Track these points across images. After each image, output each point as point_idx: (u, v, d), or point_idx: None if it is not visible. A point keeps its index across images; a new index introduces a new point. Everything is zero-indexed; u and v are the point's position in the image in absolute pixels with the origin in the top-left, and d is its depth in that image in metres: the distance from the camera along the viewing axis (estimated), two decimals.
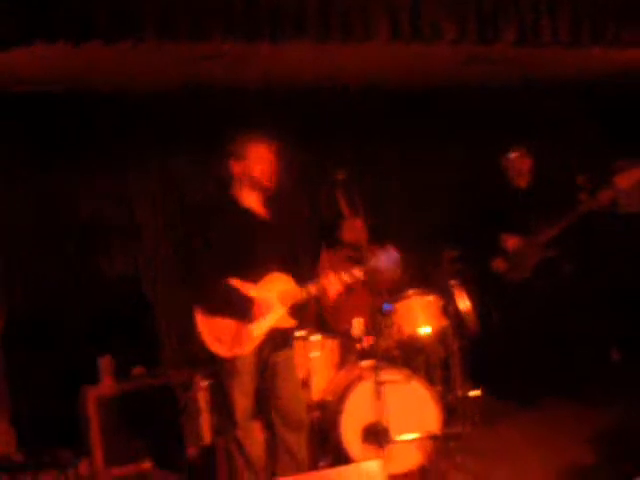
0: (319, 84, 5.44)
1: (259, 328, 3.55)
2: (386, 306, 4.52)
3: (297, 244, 3.67)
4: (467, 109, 5.98)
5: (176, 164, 5.47)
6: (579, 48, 4.03)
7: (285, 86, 5.37)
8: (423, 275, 4.07)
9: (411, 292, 4.57)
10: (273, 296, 3.58)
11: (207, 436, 4.73)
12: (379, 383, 3.53)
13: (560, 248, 5.27)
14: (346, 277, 3.63)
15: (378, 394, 3.35)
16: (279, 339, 3.67)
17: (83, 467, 4.55)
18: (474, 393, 4.88)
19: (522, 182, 5.46)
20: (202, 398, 4.68)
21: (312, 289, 3.57)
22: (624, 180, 5.09)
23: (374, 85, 5.63)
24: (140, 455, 4.60)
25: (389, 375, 4.06)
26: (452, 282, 4.70)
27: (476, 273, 5.28)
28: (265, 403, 3.71)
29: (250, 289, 3.52)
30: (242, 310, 3.48)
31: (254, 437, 3.71)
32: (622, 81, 5.84)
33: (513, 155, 5.42)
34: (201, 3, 3.33)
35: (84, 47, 3.21)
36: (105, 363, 4.68)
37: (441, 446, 4.29)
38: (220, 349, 3.54)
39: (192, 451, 4.67)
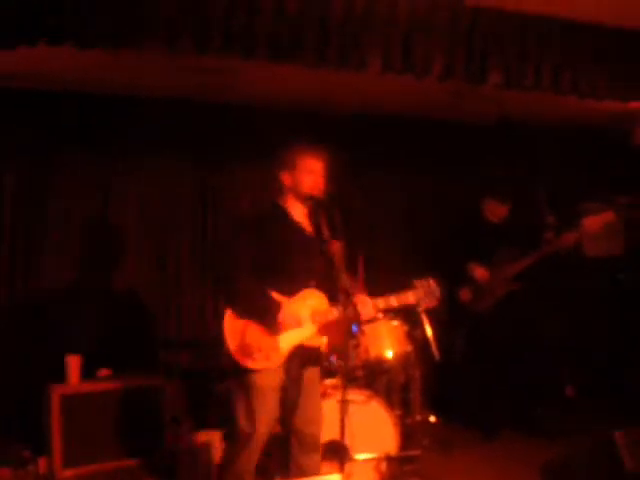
0: (310, 107, 5.57)
1: (287, 342, 3.47)
2: (354, 327, 4.59)
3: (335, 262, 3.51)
4: (444, 142, 6.15)
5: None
6: (559, 95, 4.19)
7: (276, 106, 5.50)
8: None
9: (379, 315, 4.65)
10: (306, 312, 3.51)
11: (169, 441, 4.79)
12: (343, 402, 3.57)
13: (524, 283, 5.43)
14: (381, 304, 3.60)
15: (342, 412, 3.40)
16: (307, 357, 3.59)
17: (42, 465, 4.55)
18: (432, 419, 5.00)
19: (495, 218, 5.62)
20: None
21: (344, 310, 3.47)
22: (591, 224, 5.23)
23: (363, 111, 5.77)
24: (102, 456, 4.62)
25: (352, 395, 4.14)
26: (419, 308, 4.80)
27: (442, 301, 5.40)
28: (283, 421, 3.62)
29: (284, 302, 3.46)
30: (273, 320, 3.41)
31: (253, 448, 3.53)
32: (597, 128, 6.04)
33: (491, 201, 5.58)
34: (202, 15, 3.40)
35: (88, 51, 3.26)
36: (73, 362, 4.69)
37: (397, 468, 4.39)
38: (246, 360, 3.44)
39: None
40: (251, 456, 3.51)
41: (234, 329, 3.47)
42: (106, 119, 5.26)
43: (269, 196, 3.69)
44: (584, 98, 4.24)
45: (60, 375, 4.67)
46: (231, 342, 3.46)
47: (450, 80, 3.88)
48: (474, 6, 3.88)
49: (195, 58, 3.54)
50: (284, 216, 3.61)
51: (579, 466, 3.67)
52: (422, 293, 3.65)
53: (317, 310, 3.53)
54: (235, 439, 3.55)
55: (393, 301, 3.62)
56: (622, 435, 3.36)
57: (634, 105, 4.56)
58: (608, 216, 5.16)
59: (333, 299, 3.53)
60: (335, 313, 3.51)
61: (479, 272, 5.43)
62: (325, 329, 3.57)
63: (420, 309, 3.81)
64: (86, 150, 5.25)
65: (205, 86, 5.00)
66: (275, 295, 3.47)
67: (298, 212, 3.63)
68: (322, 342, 3.64)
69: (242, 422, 3.49)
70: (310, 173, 3.54)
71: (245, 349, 3.43)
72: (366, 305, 3.54)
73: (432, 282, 3.68)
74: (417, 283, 3.66)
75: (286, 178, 3.59)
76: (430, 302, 3.68)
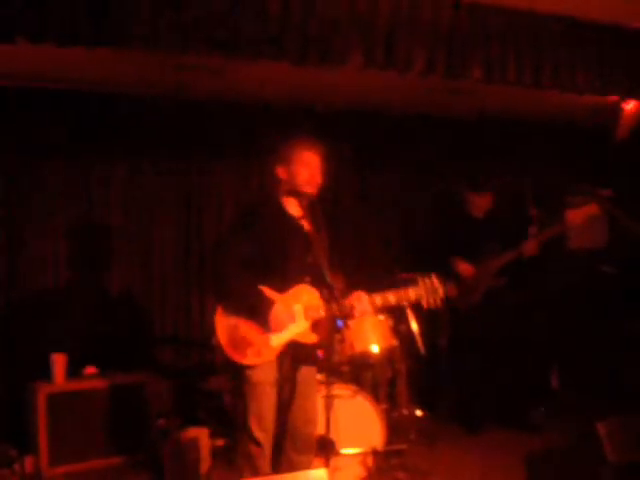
0: (293, 103, 5.57)
1: (279, 338, 3.44)
2: (339, 322, 4.61)
3: (331, 258, 3.46)
4: (432, 137, 6.18)
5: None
6: (540, 89, 4.23)
7: (261, 103, 5.49)
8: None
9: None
10: (298, 308, 3.47)
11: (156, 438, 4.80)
12: (328, 397, 3.54)
13: (510, 277, 5.47)
14: (379, 300, 3.52)
15: (327, 408, 3.41)
16: (301, 355, 3.55)
17: (28, 464, 4.55)
18: (418, 413, 5.04)
19: (479, 213, 5.65)
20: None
21: (338, 307, 3.43)
22: (575, 216, 5.27)
23: (345, 107, 5.78)
24: (89, 453, 4.63)
25: (337, 390, 4.17)
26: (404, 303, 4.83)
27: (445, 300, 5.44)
28: (277, 420, 3.55)
29: (276, 297, 3.42)
30: (265, 317, 3.37)
31: (265, 452, 3.51)
32: (579, 122, 6.09)
33: (475, 194, 5.61)
34: (182, 15, 3.40)
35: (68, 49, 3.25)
36: (58, 361, 4.69)
37: (383, 462, 4.42)
38: (238, 356, 3.42)
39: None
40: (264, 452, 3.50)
41: (225, 326, 3.46)
42: (89, 118, 5.23)
43: (252, 195, 3.67)
44: (565, 92, 4.28)
45: (46, 374, 4.68)
46: (223, 338, 3.45)
47: (432, 75, 3.91)
48: (455, 1, 3.90)
49: (177, 56, 3.53)
50: (280, 211, 3.57)
51: (562, 457, 3.72)
52: (423, 290, 3.53)
53: (310, 306, 3.49)
54: (244, 444, 3.51)
55: (391, 298, 3.53)
56: (604, 426, 3.39)
57: (614, 99, 4.60)
58: (591, 209, 5.20)
59: (326, 295, 3.48)
60: (328, 309, 3.47)
61: (463, 267, 5.46)
62: (317, 325, 3.53)
63: (425, 306, 3.61)
64: (70, 149, 5.22)
65: (189, 84, 4.99)
66: (268, 291, 3.44)
67: (294, 207, 3.59)
68: (315, 339, 3.55)
69: (244, 421, 3.47)
70: (306, 166, 3.51)
71: (237, 345, 3.42)
72: (362, 301, 3.48)
73: (435, 279, 3.56)
74: (419, 280, 3.56)
75: (282, 172, 3.56)
76: (432, 300, 3.54)
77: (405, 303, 3.61)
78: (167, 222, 5.62)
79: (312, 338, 3.54)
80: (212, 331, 3.48)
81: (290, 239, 3.50)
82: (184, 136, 5.50)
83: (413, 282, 3.55)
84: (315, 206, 3.51)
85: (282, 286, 3.48)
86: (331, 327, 3.58)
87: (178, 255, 5.62)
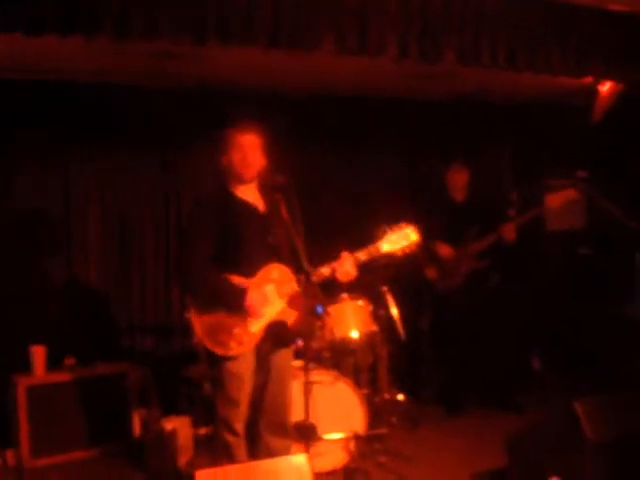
0: (266, 89, 5.54)
1: (257, 323, 3.44)
2: (319, 309, 4.61)
3: (293, 235, 3.39)
4: (408, 121, 6.17)
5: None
6: (515, 71, 4.23)
7: (231, 89, 5.46)
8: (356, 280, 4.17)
9: (344, 296, 4.68)
10: (270, 289, 3.47)
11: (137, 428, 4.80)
12: (308, 383, 3.57)
13: (490, 259, 5.49)
14: (362, 256, 3.52)
15: (306, 393, 3.42)
16: (280, 336, 3.56)
17: (10, 457, 4.54)
18: (400, 397, 5.06)
19: (459, 196, 5.66)
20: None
21: (314, 276, 3.39)
22: (553, 200, 5.30)
23: (319, 93, 5.76)
24: (70, 445, 4.62)
25: (318, 376, 4.19)
26: (384, 288, 4.85)
27: (409, 280, 5.47)
28: (252, 405, 3.59)
29: (246, 282, 3.41)
30: (239, 305, 3.37)
31: (244, 444, 3.55)
32: (557, 105, 6.10)
33: (450, 170, 5.61)
34: (152, 2, 3.37)
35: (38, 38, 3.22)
36: (37, 353, 4.67)
37: (366, 446, 4.45)
38: (220, 349, 3.41)
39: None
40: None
41: (203, 323, 3.45)
42: (63, 107, 5.18)
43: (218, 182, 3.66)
44: (539, 74, 4.28)
45: (25, 366, 4.66)
46: (203, 336, 3.44)
47: (405, 60, 3.90)
48: None
49: (146, 43, 3.50)
50: (231, 198, 3.57)
51: (542, 436, 3.74)
52: (397, 237, 3.57)
53: (282, 283, 3.48)
54: (221, 435, 3.53)
55: (374, 250, 3.54)
56: (581, 405, 3.41)
57: (589, 81, 4.61)
58: (570, 193, 5.22)
59: (297, 270, 3.46)
60: (300, 282, 3.45)
61: (444, 250, 5.48)
62: (294, 301, 3.53)
63: (400, 254, 3.61)
64: (45, 139, 5.17)
65: (163, 71, 4.97)
66: (237, 279, 3.44)
67: (247, 192, 3.60)
68: (294, 315, 3.55)
69: (222, 411, 3.50)
70: (239, 149, 3.51)
71: (218, 339, 3.42)
72: (345, 263, 3.48)
73: (404, 226, 3.61)
74: (388, 229, 3.59)
75: (224, 159, 3.57)
76: (408, 246, 3.59)
77: (386, 251, 3.57)
78: (145, 210, 5.59)
79: (291, 314, 3.55)
80: (191, 331, 3.49)
81: (244, 224, 3.50)
82: (161, 124, 5.46)
83: (384, 232, 3.58)
84: (285, 191, 3.47)
85: (250, 271, 3.47)
86: (307, 302, 3.53)
87: (157, 243, 5.60)
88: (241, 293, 3.39)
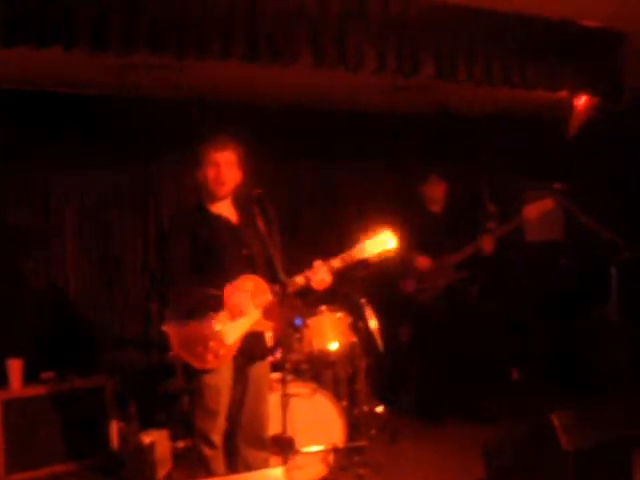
0: (244, 101, 5.56)
1: (233, 334, 3.44)
2: (298, 321, 4.61)
3: (270, 246, 3.41)
4: (385, 134, 6.21)
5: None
6: (491, 86, 4.28)
7: (209, 101, 5.48)
8: (335, 292, 4.18)
9: (323, 308, 4.68)
10: (246, 299, 3.45)
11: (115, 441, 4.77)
12: (286, 395, 3.58)
13: (468, 271, 5.52)
14: (336, 263, 3.52)
15: (283, 406, 3.41)
16: (256, 348, 3.57)
17: None
18: (379, 409, 5.06)
19: (437, 208, 5.69)
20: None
21: (289, 285, 3.38)
22: (531, 211, 5.33)
23: (297, 106, 5.78)
24: (47, 459, 4.57)
25: (296, 388, 4.19)
26: (362, 300, 4.86)
27: (386, 292, 5.48)
28: (230, 417, 3.59)
29: (221, 294, 3.41)
30: (218, 309, 3.39)
31: (221, 457, 3.56)
32: (534, 118, 6.17)
33: (428, 182, 5.64)
34: (131, 14, 3.38)
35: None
36: (14, 366, 4.63)
37: (345, 459, 4.44)
38: (195, 361, 3.41)
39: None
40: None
41: (179, 333, 3.44)
42: (43, 117, 5.17)
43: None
44: (515, 89, 4.33)
45: (1, 379, 4.61)
46: (180, 349, 3.44)
47: (383, 74, 3.93)
48: None
49: (125, 57, 3.51)
50: (205, 212, 3.59)
51: (519, 447, 3.76)
52: (372, 243, 3.56)
53: (256, 294, 3.47)
54: (199, 448, 3.53)
55: (348, 257, 3.54)
56: (558, 416, 3.44)
57: (564, 95, 4.67)
58: (547, 203, 5.25)
59: (272, 281, 3.46)
60: (275, 293, 3.44)
61: (422, 262, 5.50)
62: (269, 312, 3.53)
63: (376, 260, 3.60)
64: (20, 149, 5.14)
65: (144, 82, 4.97)
66: (214, 291, 3.43)
67: (221, 206, 3.61)
68: (269, 325, 3.57)
69: (200, 424, 3.50)
70: (214, 166, 3.51)
71: (193, 351, 3.41)
72: (318, 272, 3.48)
73: (380, 232, 3.61)
74: (364, 236, 3.58)
75: (199, 175, 3.57)
76: (384, 252, 3.59)
77: (361, 258, 3.57)
78: (125, 223, 5.58)
79: (266, 325, 3.56)
80: (168, 345, 3.47)
81: (217, 237, 3.51)
82: (142, 135, 5.46)
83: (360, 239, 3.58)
84: (262, 203, 3.47)
85: (225, 284, 3.45)
86: (283, 313, 3.52)
87: (136, 256, 5.59)
88: (219, 304, 3.39)
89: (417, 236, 5.49)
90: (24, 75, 4.77)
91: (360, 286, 4.76)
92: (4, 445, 4.46)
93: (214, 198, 3.58)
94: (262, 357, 3.67)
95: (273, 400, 3.82)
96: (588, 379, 5.70)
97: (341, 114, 6.07)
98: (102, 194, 5.50)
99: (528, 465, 3.66)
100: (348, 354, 4.73)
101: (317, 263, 3.52)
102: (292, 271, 3.47)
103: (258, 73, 4.45)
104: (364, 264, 3.69)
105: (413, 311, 5.63)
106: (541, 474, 3.55)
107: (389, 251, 3.60)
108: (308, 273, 3.50)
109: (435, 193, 5.64)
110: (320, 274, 3.50)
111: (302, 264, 3.52)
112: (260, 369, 3.66)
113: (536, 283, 6.61)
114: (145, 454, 4.42)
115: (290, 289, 3.41)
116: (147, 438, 4.46)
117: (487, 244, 5.34)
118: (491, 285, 6.05)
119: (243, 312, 3.43)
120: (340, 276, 3.68)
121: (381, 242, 3.59)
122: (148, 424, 4.74)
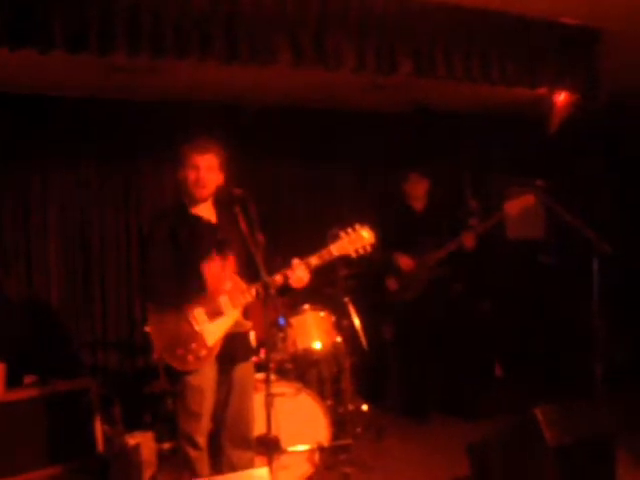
0: (221, 101, 5.56)
1: (213, 335, 3.43)
2: (281, 320, 4.62)
3: (251, 246, 3.38)
4: (366, 132, 6.22)
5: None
6: (470, 82, 4.30)
7: (189, 102, 5.47)
8: (318, 291, 4.19)
9: (306, 307, 4.70)
10: (224, 300, 3.45)
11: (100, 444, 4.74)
12: (270, 395, 3.58)
13: (450, 269, 5.54)
14: (314, 260, 3.51)
15: (267, 406, 3.42)
16: (240, 348, 3.59)
17: None
18: (364, 407, 5.07)
19: (418, 205, 5.71)
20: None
21: (267, 284, 3.36)
22: (512, 207, 5.36)
23: (275, 105, 5.79)
24: (32, 464, 4.53)
25: (280, 388, 4.18)
26: (346, 299, 4.86)
27: (370, 291, 5.50)
28: (214, 418, 3.59)
29: (201, 295, 3.42)
30: (196, 319, 3.40)
31: (206, 458, 3.55)
32: (512, 114, 6.20)
33: (410, 179, 5.66)
34: (108, 16, 3.37)
35: None
36: None
37: (330, 458, 4.45)
38: (177, 363, 3.41)
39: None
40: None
41: (161, 335, 3.44)
42: (22, 121, 5.15)
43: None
44: (495, 85, 4.35)
45: None
46: (162, 351, 3.43)
47: (362, 72, 3.93)
48: None
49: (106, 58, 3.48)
50: (185, 213, 3.58)
51: (503, 443, 3.78)
52: (348, 240, 3.55)
53: (235, 293, 3.47)
54: (183, 449, 3.52)
55: (326, 254, 3.53)
56: (542, 411, 3.46)
57: (543, 92, 4.70)
58: (528, 199, 5.27)
59: (254, 281, 3.45)
60: (254, 292, 3.45)
61: (404, 261, 5.52)
62: (248, 310, 3.55)
63: (354, 255, 3.57)
64: (4, 155, 5.13)
65: (125, 84, 4.95)
66: (193, 292, 3.44)
67: (201, 207, 3.60)
68: (249, 324, 3.60)
69: (184, 425, 3.50)
70: (194, 169, 3.51)
71: (175, 353, 3.41)
72: (296, 270, 3.48)
73: (358, 227, 3.59)
74: (342, 232, 3.57)
75: (180, 176, 3.57)
76: (362, 247, 3.56)
77: (338, 255, 3.56)
78: (107, 226, 5.55)
79: (246, 325, 3.59)
80: (151, 346, 3.47)
81: (197, 238, 3.51)
82: (123, 138, 5.45)
83: (337, 236, 3.57)
84: (243, 203, 3.47)
85: (203, 284, 3.46)
86: (263, 311, 3.50)
87: (119, 259, 5.57)
88: (198, 305, 3.40)
89: (399, 234, 5.52)
90: (4, 78, 4.73)
91: (343, 285, 4.76)
92: None
93: (194, 200, 3.58)
94: (246, 358, 3.68)
95: (257, 400, 3.81)
96: (571, 376, 5.72)
97: (323, 113, 6.07)
98: (83, 198, 5.48)
99: (512, 460, 3.68)
100: (332, 353, 4.74)
101: (295, 261, 3.53)
102: (275, 270, 3.47)
103: (238, 74, 4.46)
104: (344, 262, 3.69)
105: (396, 309, 5.64)
106: (525, 469, 3.58)
107: (367, 248, 3.59)
108: (286, 271, 3.50)
109: (417, 190, 5.66)
110: (298, 272, 3.51)
111: (286, 262, 3.52)
112: (244, 369, 3.66)
113: (518, 280, 6.64)
114: (130, 456, 4.41)
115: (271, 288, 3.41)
116: (132, 440, 4.45)
117: (468, 241, 5.36)
118: (474, 282, 6.07)
119: (222, 312, 3.44)
120: (323, 275, 3.69)
121: (359, 239, 3.58)
122: (133, 426, 4.74)
